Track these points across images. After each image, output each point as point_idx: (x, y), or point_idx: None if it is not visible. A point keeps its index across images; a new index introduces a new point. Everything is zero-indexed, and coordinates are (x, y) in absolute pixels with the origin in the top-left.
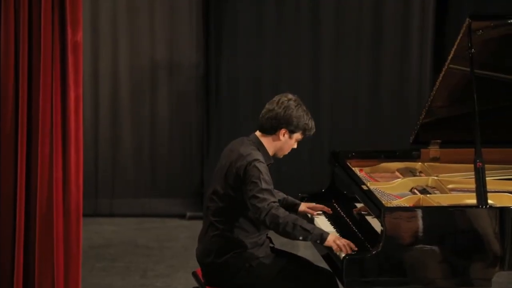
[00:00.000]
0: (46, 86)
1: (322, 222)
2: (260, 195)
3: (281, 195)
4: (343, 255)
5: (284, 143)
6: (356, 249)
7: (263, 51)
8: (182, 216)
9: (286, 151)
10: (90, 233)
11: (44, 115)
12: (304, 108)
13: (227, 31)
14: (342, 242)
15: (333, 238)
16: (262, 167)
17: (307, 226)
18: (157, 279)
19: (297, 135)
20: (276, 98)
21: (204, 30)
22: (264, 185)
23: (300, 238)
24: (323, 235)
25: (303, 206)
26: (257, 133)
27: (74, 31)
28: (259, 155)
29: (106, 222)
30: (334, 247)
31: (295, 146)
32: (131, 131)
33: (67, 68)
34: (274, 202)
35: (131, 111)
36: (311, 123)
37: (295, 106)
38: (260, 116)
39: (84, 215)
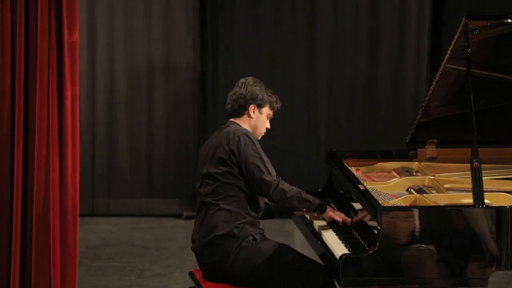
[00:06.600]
0: (42, 86)
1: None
2: (264, 169)
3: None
4: (339, 254)
5: (256, 119)
6: (348, 224)
7: (259, 52)
8: (178, 216)
9: (262, 129)
10: (87, 233)
11: (41, 115)
12: (264, 86)
13: (224, 32)
14: (337, 214)
15: (330, 209)
16: (254, 139)
17: (309, 197)
18: (153, 279)
19: (266, 110)
20: (235, 85)
21: (201, 31)
22: (264, 157)
23: (304, 209)
24: (321, 205)
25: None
26: (230, 120)
27: (71, 31)
28: (245, 130)
29: (102, 222)
30: (336, 218)
31: (268, 125)
32: (128, 131)
33: (63, 68)
34: (276, 176)
35: (127, 111)
36: (275, 96)
37: (254, 82)
38: (226, 104)
39: (81, 215)
